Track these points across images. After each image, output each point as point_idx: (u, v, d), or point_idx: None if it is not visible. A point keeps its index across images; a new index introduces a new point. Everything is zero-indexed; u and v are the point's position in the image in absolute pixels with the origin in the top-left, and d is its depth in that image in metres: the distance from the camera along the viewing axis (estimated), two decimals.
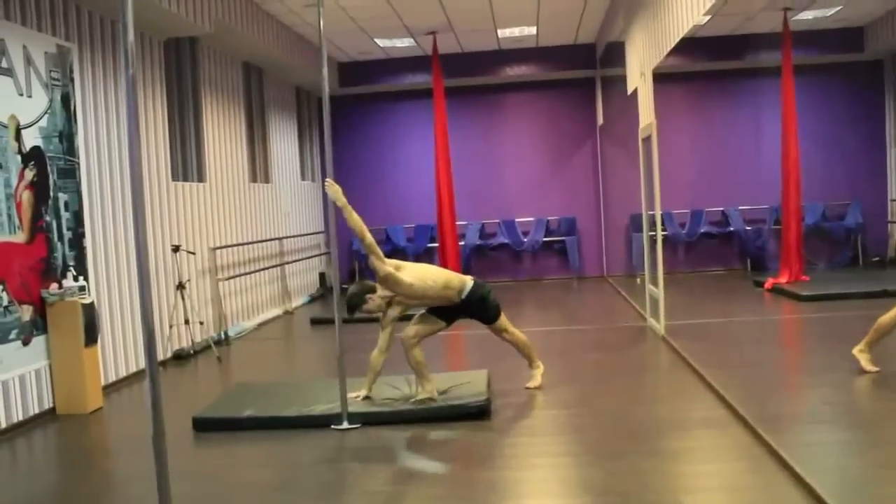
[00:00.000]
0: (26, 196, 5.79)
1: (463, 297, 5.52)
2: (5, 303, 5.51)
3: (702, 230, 12.79)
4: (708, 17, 6.35)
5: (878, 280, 10.09)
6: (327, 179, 5.22)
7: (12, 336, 5.58)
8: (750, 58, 11.83)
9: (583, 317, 10.11)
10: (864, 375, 5.55)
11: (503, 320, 5.79)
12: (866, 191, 12.55)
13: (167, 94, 8.21)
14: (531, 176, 13.60)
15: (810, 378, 6.22)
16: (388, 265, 5.28)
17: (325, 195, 5.31)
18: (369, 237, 5.18)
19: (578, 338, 8.28)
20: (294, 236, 12.00)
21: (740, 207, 12.72)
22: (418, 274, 5.40)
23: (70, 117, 6.36)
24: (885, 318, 5.52)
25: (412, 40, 11.60)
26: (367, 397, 5.52)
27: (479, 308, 5.65)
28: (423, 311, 5.64)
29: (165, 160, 8.05)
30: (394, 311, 5.50)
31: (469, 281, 5.60)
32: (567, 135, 13.60)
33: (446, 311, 5.58)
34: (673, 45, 6.91)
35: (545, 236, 13.41)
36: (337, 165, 11.63)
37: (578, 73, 13.14)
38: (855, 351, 5.70)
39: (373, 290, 5.43)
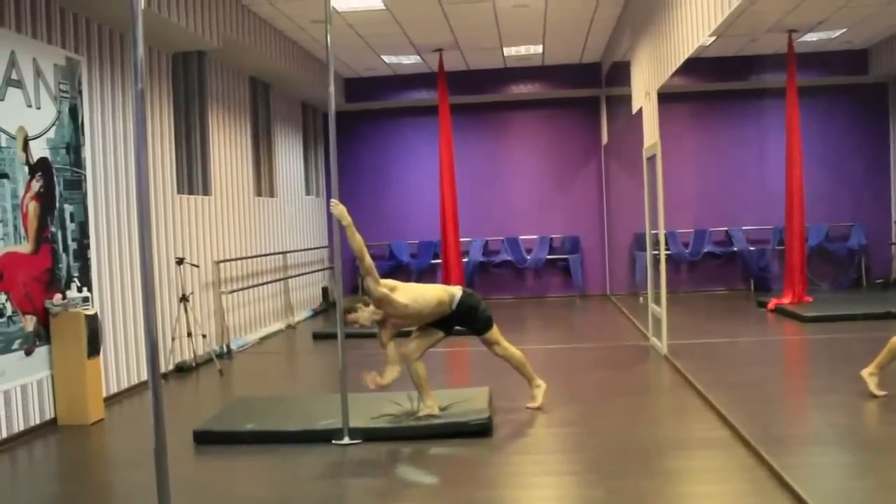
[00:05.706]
0: (32, 207, 5.82)
1: (453, 307, 5.57)
2: (9, 313, 5.53)
3: (705, 250, 12.80)
4: (713, 38, 6.38)
5: (881, 302, 10.08)
6: (332, 199, 5.25)
7: (15, 346, 5.59)
8: (754, 79, 11.88)
9: (585, 335, 10.10)
10: (866, 396, 5.49)
11: (495, 333, 5.77)
12: (870, 212, 12.57)
13: (174, 107, 8.26)
14: (535, 194, 13.62)
15: (813, 399, 6.20)
16: (384, 286, 5.30)
17: (329, 210, 5.32)
18: (368, 259, 5.20)
19: (580, 356, 8.27)
20: (298, 251, 12.03)
21: (744, 228, 12.74)
22: (412, 295, 5.42)
23: (77, 129, 6.40)
24: None
25: (418, 57, 11.66)
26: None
27: (468, 317, 5.66)
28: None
29: (171, 173, 8.08)
30: (386, 333, 5.50)
31: (458, 292, 5.64)
32: (571, 153, 13.62)
33: (440, 321, 5.61)
34: (678, 65, 6.94)
35: (549, 254, 13.42)
36: (342, 181, 11.65)
37: (584, 92, 13.19)
38: (864, 373, 5.56)
39: (366, 304, 5.44)
